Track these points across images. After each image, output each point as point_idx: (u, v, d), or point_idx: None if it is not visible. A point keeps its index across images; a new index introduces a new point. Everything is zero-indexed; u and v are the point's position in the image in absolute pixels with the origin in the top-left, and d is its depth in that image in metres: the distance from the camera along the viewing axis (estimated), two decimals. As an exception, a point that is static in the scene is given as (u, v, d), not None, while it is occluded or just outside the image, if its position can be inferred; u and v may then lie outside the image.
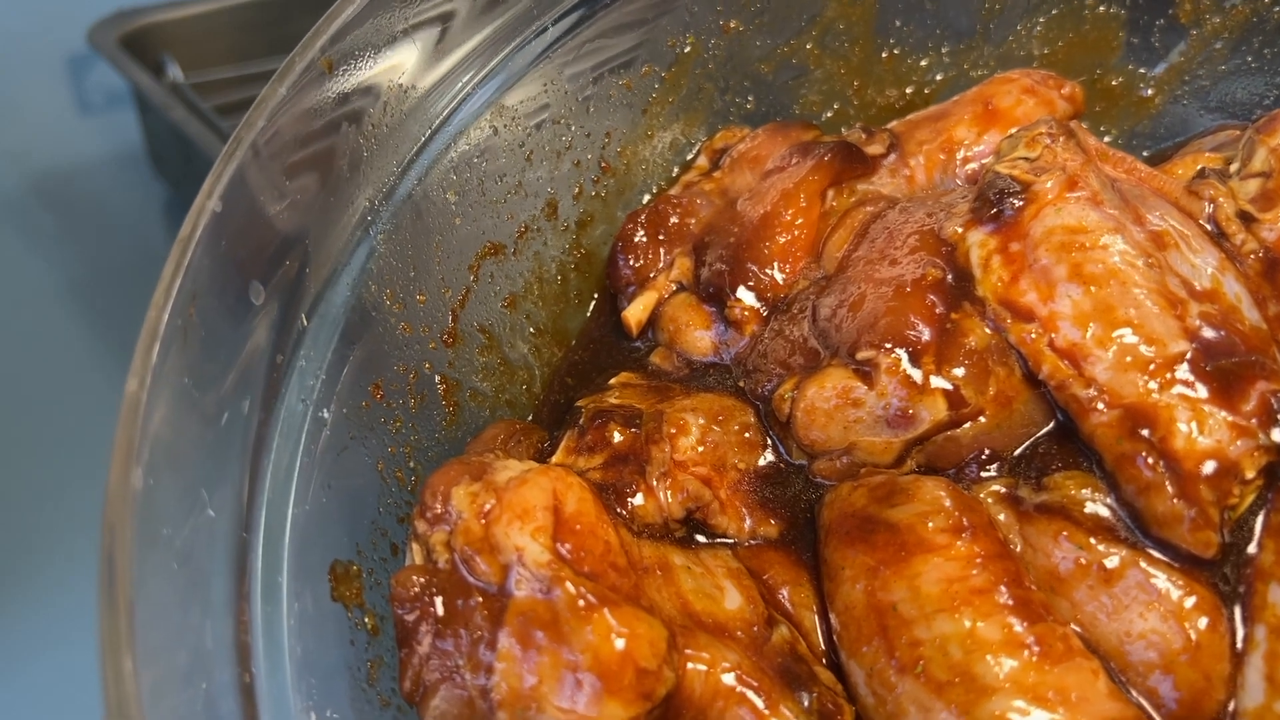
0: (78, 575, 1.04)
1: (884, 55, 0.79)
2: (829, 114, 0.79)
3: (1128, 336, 0.55)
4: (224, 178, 0.52)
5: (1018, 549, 0.56)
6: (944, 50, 0.78)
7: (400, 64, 0.61)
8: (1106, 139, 0.79)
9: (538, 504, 0.52)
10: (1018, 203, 0.59)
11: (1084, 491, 0.56)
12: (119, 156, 1.53)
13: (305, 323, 0.56)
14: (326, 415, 0.56)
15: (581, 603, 0.49)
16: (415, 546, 0.53)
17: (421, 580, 0.51)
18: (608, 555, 0.52)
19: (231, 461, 0.50)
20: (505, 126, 0.67)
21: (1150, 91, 0.78)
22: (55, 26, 1.63)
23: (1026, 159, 0.62)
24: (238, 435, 0.50)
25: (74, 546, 1.05)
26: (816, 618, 0.58)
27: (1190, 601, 0.52)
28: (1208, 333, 0.55)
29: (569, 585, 0.49)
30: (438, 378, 0.64)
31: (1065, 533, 0.55)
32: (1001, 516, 0.57)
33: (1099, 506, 0.55)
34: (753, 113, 0.78)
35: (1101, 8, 0.76)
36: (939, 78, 0.79)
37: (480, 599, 0.50)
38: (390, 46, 0.60)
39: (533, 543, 0.50)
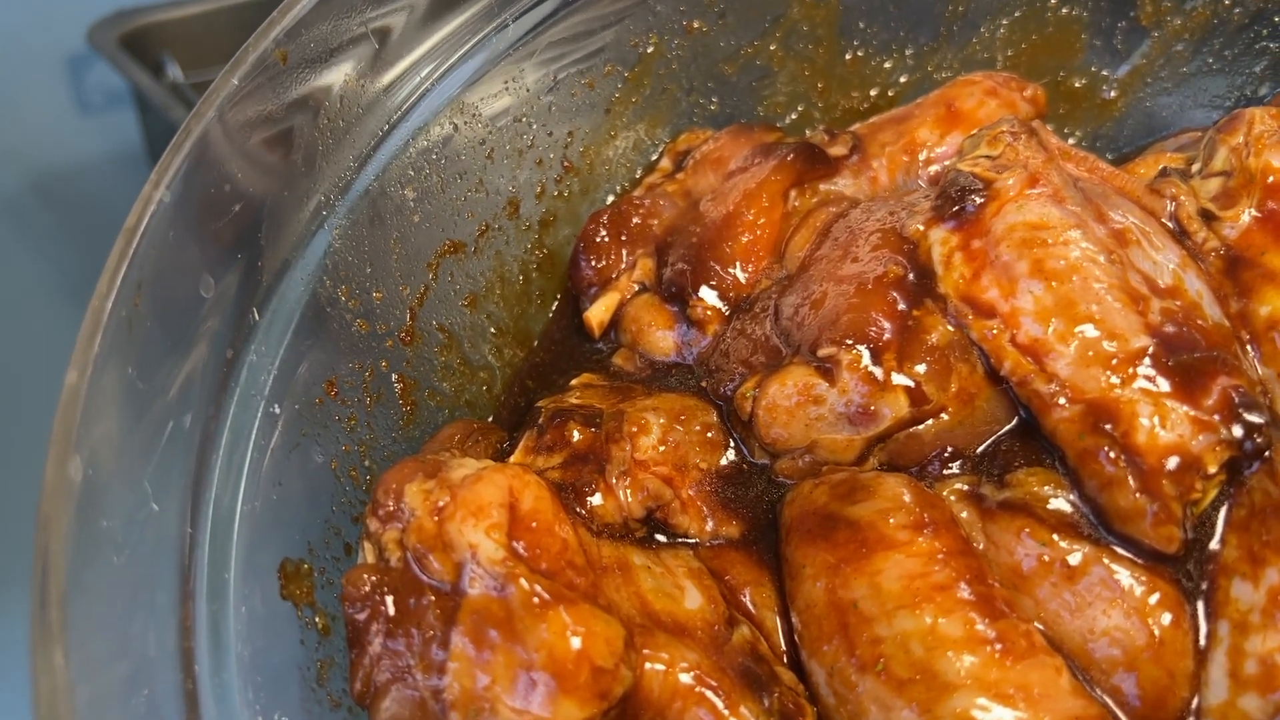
0: None
1: (848, 57, 0.78)
2: (793, 116, 0.79)
3: (1089, 331, 0.55)
4: (172, 167, 0.50)
5: (980, 547, 0.56)
6: (908, 52, 0.78)
7: (358, 58, 0.61)
8: (1071, 140, 0.79)
9: (493, 501, 0.50)
10: (979, 200, 0.59)
11: (1046, 488, 0.55)
12: (118, 156, 1.52)
13: (257, 317, 0.55)
14: (278, 411, 0.55)
15: (536, 600, 0.48)
16: (367, 545, 0.52)
17: (373, 579, 0.50)
18: (565, 553, 0.51)
19: (177, 456, 0.48)
20: (466, 124, 0.67)
21: (1113, 94, 0.78)
22: (55, 26, 1.63)
23: (988, 157, 0.61)
24: (184, 430, 0.49)
25: None
26: (778, 618, 0.57)
27: (1154, 598, 0.52)
28: (1169, 328, 0.55)
29: (523, 582, 0.48)
30: (395, 376, 0.63)
31: (1028, 530, 0.54)
32: (964, 514, 0.57)
33: (1061, 503, 0.55)
34: (716, 114, 0.78)
35: (1064, 10, 0.76)
36: (903, 80, 0.79)
37: (433, 597, 0.49)
38: (348, 40, 0.60)
39: (487, 540, 0.49)
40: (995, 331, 0.57)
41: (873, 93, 0.79)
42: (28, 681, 0.92)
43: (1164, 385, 0.53)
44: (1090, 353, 0.54)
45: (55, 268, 1.37)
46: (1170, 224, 0.61)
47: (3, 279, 1.35)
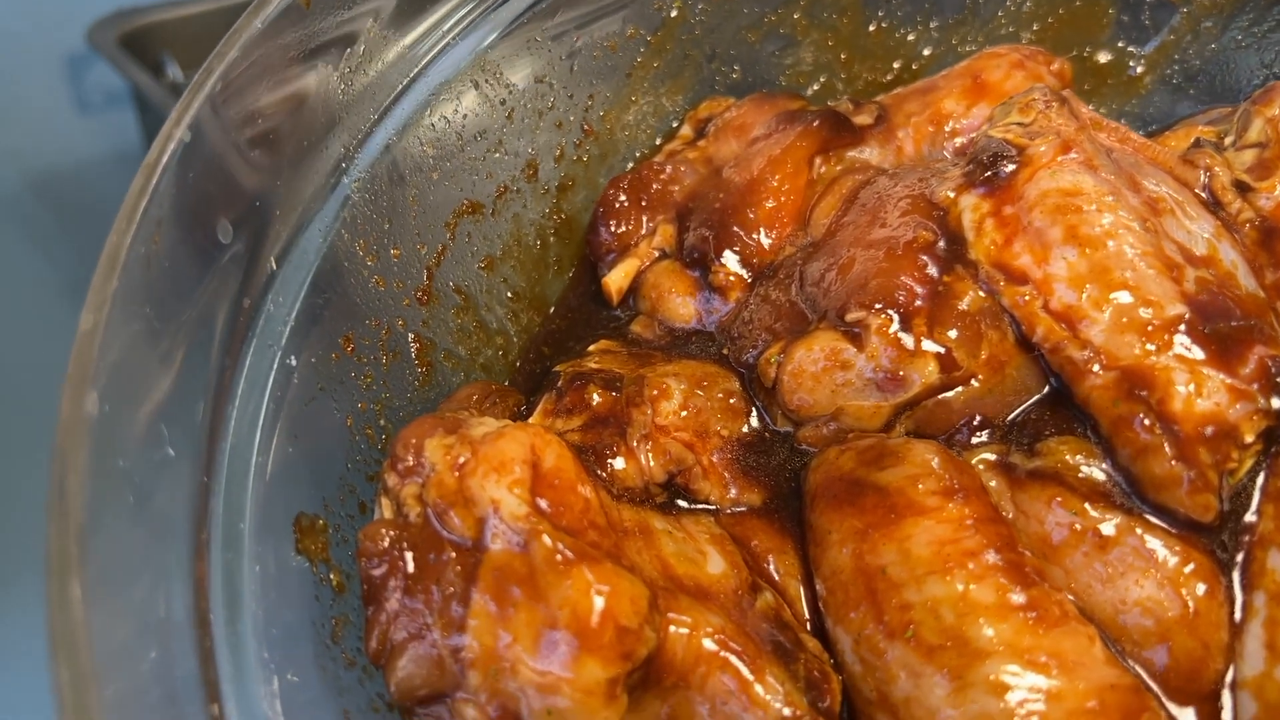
0: None
1: (872, 28, 0.77)
2: (815, 86, 0.78)
3: (1124, 298, 0.53)
4: (193, 107, 0.49)
5: (1009, 516, 0.55)
6: (932, 25, 0.77)
7: (381, 8, 0.59)
8: (1095, 119, 0.78)
9: (515, 457, 0.49)
10: (1012, 166, 0.58)
11: (1078, 457, 0.54)
12: (119, 156, 1.53)
13: (275, 267, 0.54)
14: (294, 363, 0.53)
15: (559, 557, 0.46)
16: (385, 500, 0.50)
17: (391, 534, 0.48)
18: (587, 513, 0.50)
19: (193, 400, 0.47)
20: (486, 81, 0.65)
21: (1140, 70, 0.77)
22: (55, 26, 1.65)
23: (1020, 124, 0.60)
24: (200, 375, 0.48)
25: None
26: (801, 586, 0.56)
27: (1188, 568, 0.51)
28: (1205, 297, 0.54)
29: (546, 539, 0.47)
30: (411, 336, 0.62)
31: (1059, 499, 0.53)
32: (993, 483, 0.56)
33: (1094, 471, 0.54)
34: (739, 82, 0.77)
35: (1091, -16, 0.76)
36: (926, 52, 0.78)
37: (453, 554, 0.48)
38: (369, -11, 0.58)
39: (509, 495, 0.48)
40: (1028, 298, 0.56)
41: (896, 65, 0.78)
42: (27, 681, 0.90)
43: (1200, 353, 0.52)
44: (1125, 319, 0.53)
45: (55, 268, 1.37)
46: (1204, 195, 0.60)
47: (3, 279, 1.35)
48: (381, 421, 0.59)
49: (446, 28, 0.63)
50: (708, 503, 0.58)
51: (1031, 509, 0.54)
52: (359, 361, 0.58)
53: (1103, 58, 0.77)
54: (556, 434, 0.57)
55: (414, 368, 0.62)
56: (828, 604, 0.53)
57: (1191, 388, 0.51)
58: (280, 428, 0.51)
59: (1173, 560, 0.51)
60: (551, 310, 0.70)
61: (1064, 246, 0.55)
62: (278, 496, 0.50)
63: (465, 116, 0.65)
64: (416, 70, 0.62)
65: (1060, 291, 0.55)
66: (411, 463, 0.50)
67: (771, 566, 0.56)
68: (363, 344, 0.58)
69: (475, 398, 0.59)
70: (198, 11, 1.48)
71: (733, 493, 0.58)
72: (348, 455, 0.56)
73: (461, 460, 0.49)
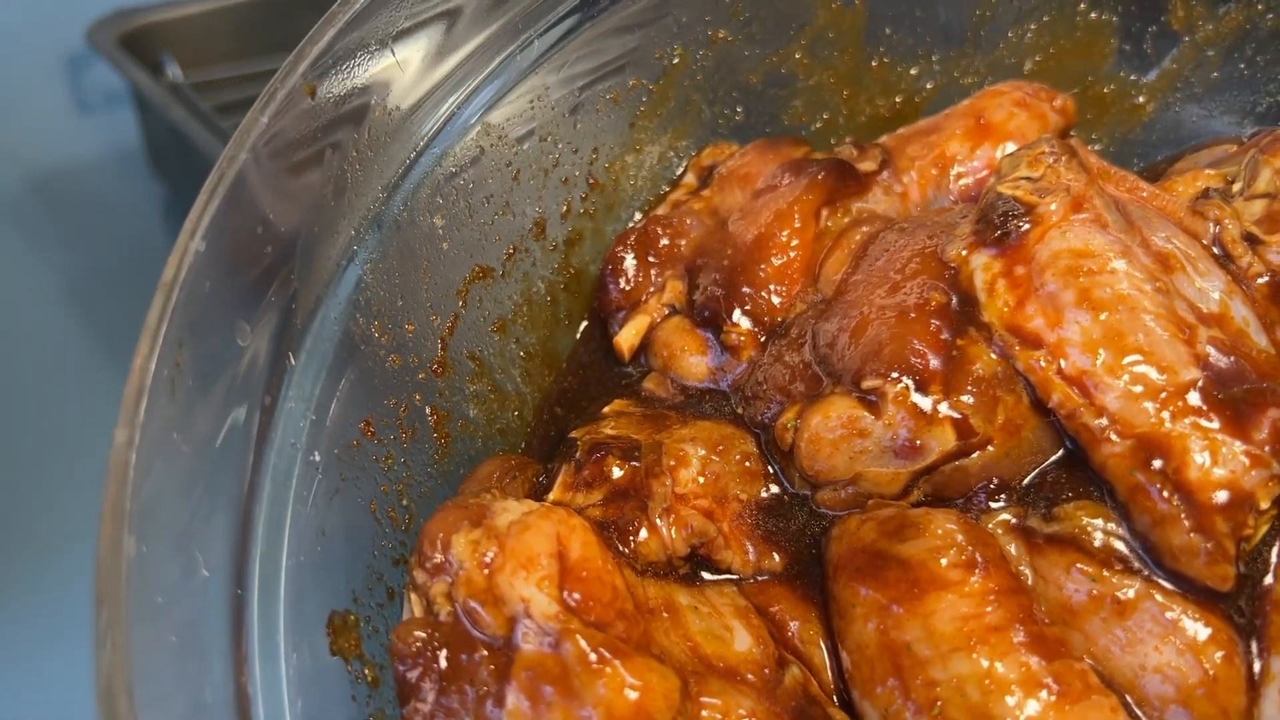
0: (78, 574, 1.03)
1: (874, 64, 0.77)
2: (818, 124, 0.78)
3: (1138, 364, 0.54)
4: (206, 216, 0.49)
5: (1028, 579, 0.55)
6: (934, 58, 0.77)
7: (385, 84, 0.59)
8: (1098, 146, 0.79)
9: (542, 551, 0.50)
10: (1023, 225, 0.58)
11: (1095, 522, 0.55)
12: (118, 156, 1.54)
13: (293, 361, 0.54)
14: (317, 458, 0.54)
15: (593, 656, 0.47)
16: (414, 597, 0.51)
17: (423, 635, 0.49)
18: (615, 601, 0.51)
19: (224, 515, 0.47)
20: (492, 146, 0.65)
21: (1142, 99, 0.77)
22: (55, 26, 1.65)
23: (1029, 179, 0.60)
24: (229, 487, 0.48)
25: (74, 546, 1.06)
26: (826, 654, 0.57)
27: (1206, 634, 0.51)
28: (1218, 359, 0.54)
29: (580, 640, 0.47)
30: (428, 409, 0.62)
31: (1078, 564, 0.54)
32: (1011, 547, 0.56)
33: (1111, 538, 0.54)
34: (741, 124, 0.76)
35: (1093, 14, 0.75)
36: (929, 86, 0.78)
37: (485, 652, 0.49)
38: (375, 68, 0.58)
39: (539, 593, 0.48)
40: (1042, 363, 0.56)
41: (898, 100, 0.78)
42: (25, 681, 0.92)
43: (1215, 419, 0.52)
44: (1139, 386, 0.54)
45: (55, 267, 1.37)
46: (1213, 247, 0.60)
47: (2, 279, 1.35)
48: (404, 501, 0.59)
49: (450, 98, 0.63)
50: (730, 571, 0.59)
51: (1050, 574, 0.55)
52: (379, 444, 0.58)
53: (1105, 87, 0.77)
54: (578, 509, 0.57)
55: (433, 441, 0.62)
56: (854, 677, 0.54)
57: (1207, 456, 0.52)
58: (307, 526, 0.52)
59: (1191, 626, 0.52)
60: (563, 367, 0.70)
61: (1077, 310, 0.56)
62: (309, 597, 0.51)
63: (473, 184, 0.65)
64: (423, 142, 0.62)
65: (1074, 356, 0.55)
66: (439, 560, 0.51)
67: (795, 635, 0.57)
68: (382, 425, 0.59)
69: (495, 475, 0.60)
70: (198, 11, 1.49)
71: (754, 560, 0.59)
72: (373, 542, 0.57)
73: (489, 557, 0.49)
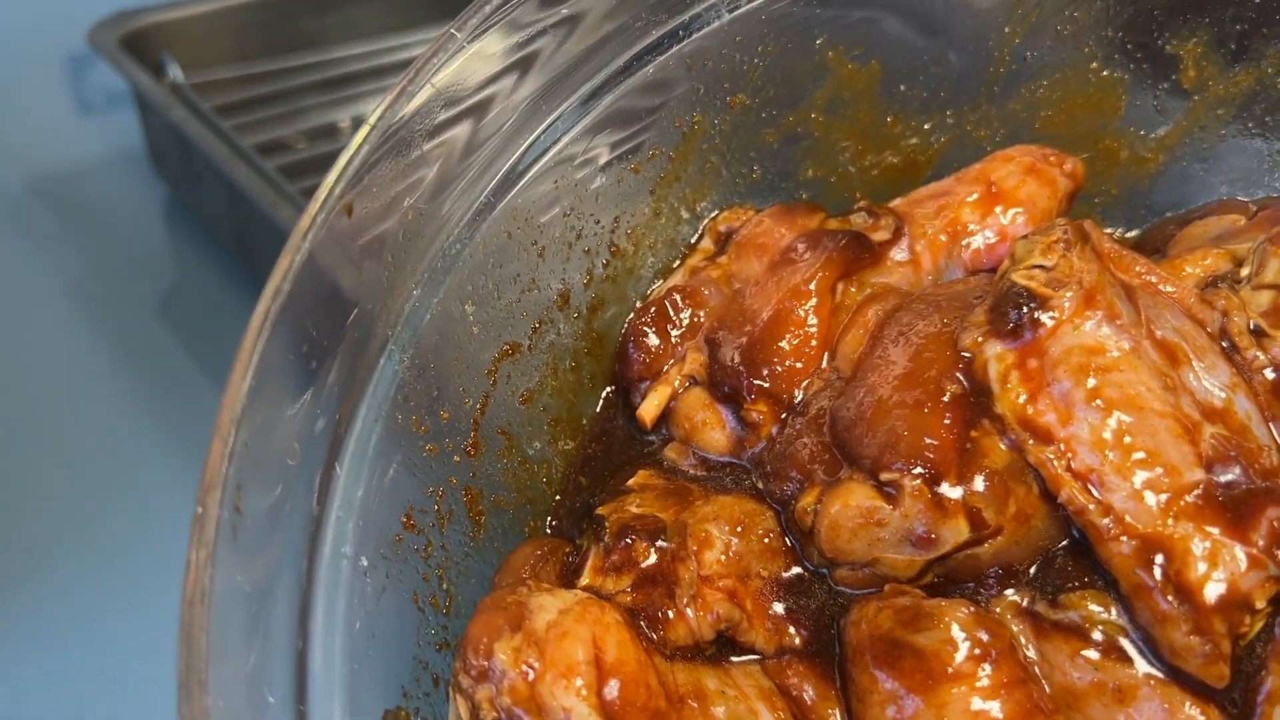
0: (78, 574, 1.06)
1: (888, 119, 0.78)
2: (833, 178, 0.79)
3: (1144, 465, 0.57)
4: (255, 355, 0.51)
5: (1034, 661, 0.59)
6: (948, 113, 0.78)
7: (416, 185, 0.61)
8: (1105, 199, 0.80)
9: (580, 659, 0.53)
10: (1037, 316, 0.60)
11: (1099, 612, 0.58)
12: (119, 156, 1.56)
13: (339, 470, 0.57)
14: (365, 562, 0.57)
15: (631, 765, 0.51)
16: (460, 700, 0.54)
17: (471, 740, 0.53)
18: (650, 702, 0.54)
19: (283, 641, 0.50)
20: (519, 229, 0.67)
21: (1150, 153, 0.78)
22: (55, 26, 1.66)
23: (1042, 267, 0.62)
24: (288, 612, 0.51)
25: (75, 546, 1.07)
26: (845, 732, 0.60)
27: (1202, 725, 0.55)
28: (1220, 459, 0.57)
29: (618, 749, 0.51)
30: (463, 490, 0.65)
31: (1082, 652, 0.58)
32: (1017, 628, 0.60)
33: (1113, 629, 0.58)
34: (758, 181, 0.78)
35: (1105, 72, 0.76)
36: (942, 139, 0.79)
37: (530, 758, 0.52)
38: (407, 173, 0.60)
39: (580, 703, 0.52)
40: (1053, 458, 0.59)
41: (911, 154, 0.79)
42: (26, 679, 0.95)
43: (1216, 521, 0.55)
44: (1145, 487, 0.56)
45: (56, 268, 1.38)
46: (1220, 337, 0.62)
47: (3, 279, 1.37)
48: (444, 585, 0.62)
49: (480, 186, 0.64)
50: (753, 650, 0.62)
51: (1055, 659, 0.58)
52: (418, 533, 0.61)
53: (1114, 141, 0.78)
54: (608, 595, 0.61)
55: (468, 520, 0.65)
56: (872, 760, 0.58)
57: (1207, 558, 0.55)
58: (360, 633, 0.55)
59: (1187, 717, 0.55)
60: (588, 434, 0.73)
61: (1087, 408, 0.58)
62: (364, 702, 0.54)
63: (501, 267, 0.66)
64: (453, 236, 0.63)
65: (1083, 454, 0.58)
66: (483, 666, 0.54)
67: (816, 715, 0.61)
68: (421, 515, 0.62)
69: (530, 563, 0.63)
70: (198, 12, 1.50)
71: (776, 637, 0.62)
72: (418, 632, 0.60)
73: (531, 666, 0.53)
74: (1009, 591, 0.61)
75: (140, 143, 1.49)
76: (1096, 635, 0.58)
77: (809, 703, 0.61)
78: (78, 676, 0.98)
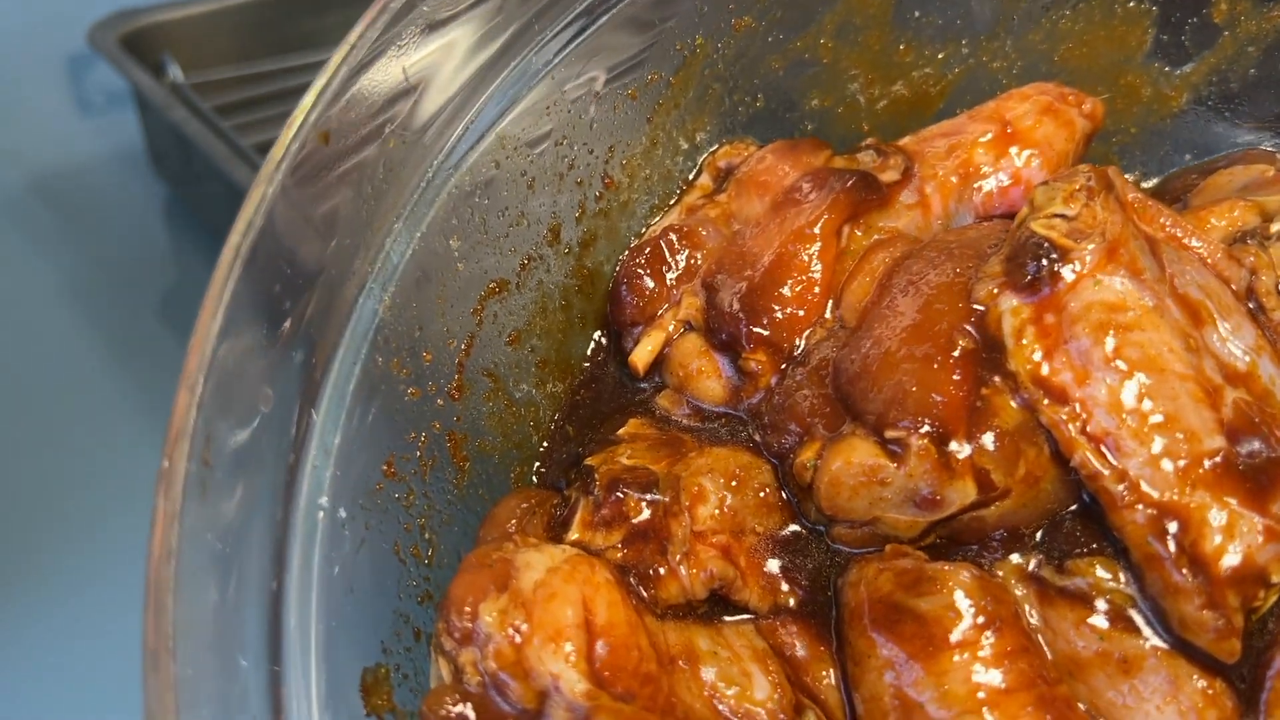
0: (77, 574, 1.06)
1: (900, 47, 0.74)
2: (840, 108, 0.75)
3: (1162, 430, 0.54)
4: (226, 295, 0.48)
5: (1037, 626, 0.57)
6: (963, 42, 0.74)
7: (397, 114, 0.56)
8: (1123, 138, 0.76)
9: (569, 621, 0.51)
10: (1057, 269, 0.57)
11: (1107, 580, 0.56)
12: (119, 156, 1.54)
13: (315, 416, 0.53)
14: (343, 514, 0.54)
15: (621, 733, 0.49)
16: (443, 662, 0.52)
17: (452, 705, 0.50)
18: (640, 666, 0.52)
19: (255, 600, 0.48)
20: (507, 158, 0.63)
21: (1173, 91, 0.74)
22: (55, 26, 1.66)
23: (1064, 216, 0.59)
24: (260, 569, 0.48)
25: (74, 545, 1.07)
26: (840, 693, 0.59)
27: (1208, 699, 0.53)
28: (1242, 425, 0.54)
29: (608, 718, 0.49)
30: (446, 435, 0.62)
31: (1088, 619, 0.56)
32: (1020, 592, 0.58)
33: (1122, 595, 0.56)
34: (761, 111, 0.74)
35: (1132, 3, 0.72)
36: (955, 70, 0.75)
37: (515, 722, 0.50)
38: (388, 98, 0.55)
39: (569, 669, 0.49)
40: (1067, 419, 0.56)
41: (923, 85, 0.75)
42: (27, 679, 0.94)
43: (1234, 491, 0.53)
44: (1162, 453, 0.54)
45: (56, 268, 1.38)
46: (1245, 294, 0.59)
47: (3, 279, 1.36)
48: (427, 535, 0.60)
49: (463, 112, 0.60)
50: (747, 609, 0.60)
51: (1059, 626, 0.56)
52: (399, 481, 0.58)
53: (1137, 76, 0.74)
54: (597, 550, 0.58)
55: (452, 466, 0.62)
56: (867, 725, 0.56)
57: (1224, 530, 0.52)
58: (336, 587, 0.52)
59: (1194, 690, 0.54)
60: (577, 380, 0.69)
61: (1105, 369, 0.55)
62: (341, 660, 0.52)
63: (488, 200, 0.62)
64: (437, 165, 0.59)
65: (1099, 416, 0.55)
66: (467, 628, 0.51)
67: (811, 677, 0.59)
68: (403, 462, 0.59)
69: (514, 515, 0.60)
70: (198, 12, 1.49)
71: (770, 596, 0.60)
72: (399, 585, 0.57)
73: (517, 629, 0.50)
74: (1014, 555, 0.59)
75: (140, 143, 1.49)
76: (1103, 604, 0.56)
77: (803, 663, 0.59)
78: (78, 677, 0.98)
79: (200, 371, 0.46)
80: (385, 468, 0.57)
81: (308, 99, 0.52)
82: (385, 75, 0.55)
